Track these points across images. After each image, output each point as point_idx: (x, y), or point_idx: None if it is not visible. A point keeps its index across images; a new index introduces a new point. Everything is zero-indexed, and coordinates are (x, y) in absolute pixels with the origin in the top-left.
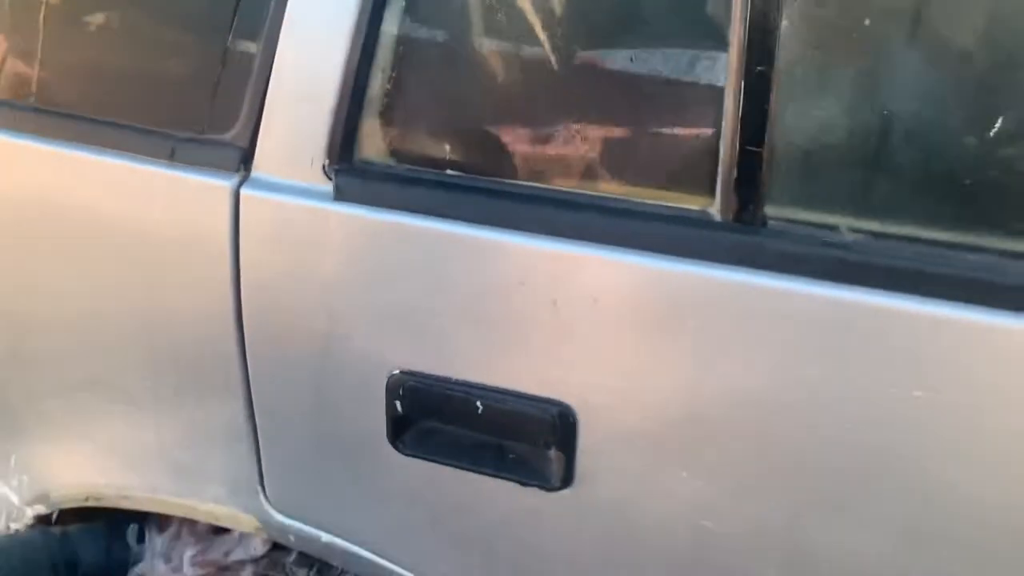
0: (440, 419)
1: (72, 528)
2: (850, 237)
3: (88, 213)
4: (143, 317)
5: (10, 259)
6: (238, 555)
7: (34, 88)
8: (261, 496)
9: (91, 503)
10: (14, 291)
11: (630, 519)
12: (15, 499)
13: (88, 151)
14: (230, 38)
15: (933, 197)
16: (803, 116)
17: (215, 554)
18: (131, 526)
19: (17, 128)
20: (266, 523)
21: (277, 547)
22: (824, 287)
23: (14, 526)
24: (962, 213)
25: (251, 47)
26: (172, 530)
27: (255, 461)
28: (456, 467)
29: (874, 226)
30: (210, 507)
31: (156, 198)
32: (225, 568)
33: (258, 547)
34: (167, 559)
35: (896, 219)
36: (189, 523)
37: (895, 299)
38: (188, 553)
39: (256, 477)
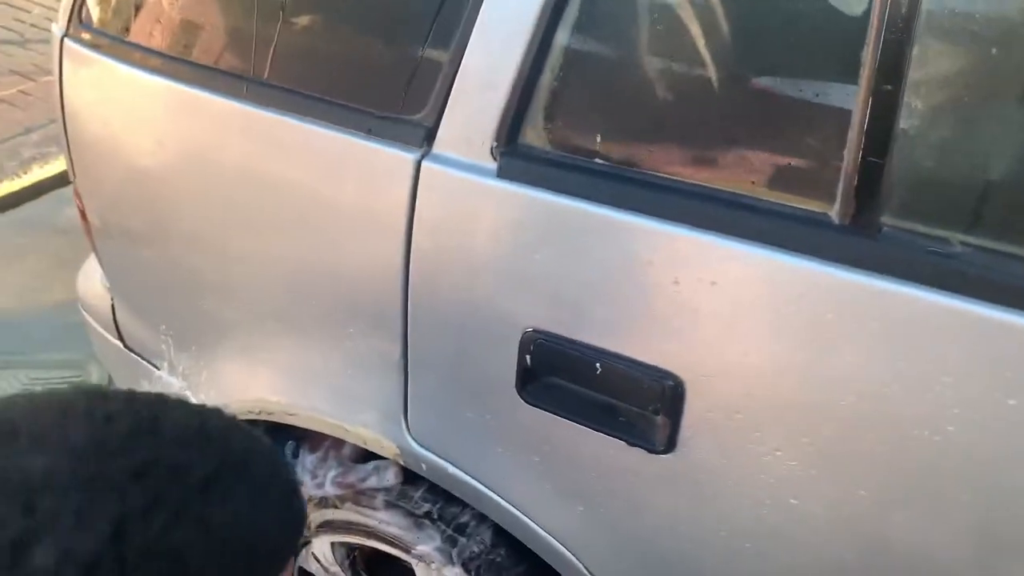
0: (563, 376)
1: None
2: (958, 248)
3: (292, 172)
4: (326, 260)
5: (226, 206)
6: (371, 483)
7: (268, 65)
8: (403, 426)
9: (262, 417)
10: (225, 232)
11: (722, 488)
12: None
13: (302, 121)
14: (429, 38)
15: None
16: (924, 134)
17: (353, 478)
18: (289, 441)
19: (244, 97)
20: (404, 450)
21: (407, 482)
22: (929, 293)
23: None
24: None
25: (445, 45)
26: (321, 452)
27: (402, 394)
28: (571, 420)
29: (981, 241)
30: (360, 430)
31: (352, 164)
32: (360, 492)
33: (390, 479)
34: (313, 476)
35: (1001, 237)
36: (336, 448)
37: (994, 310)
38: (331, 473)
39: (401, 408)
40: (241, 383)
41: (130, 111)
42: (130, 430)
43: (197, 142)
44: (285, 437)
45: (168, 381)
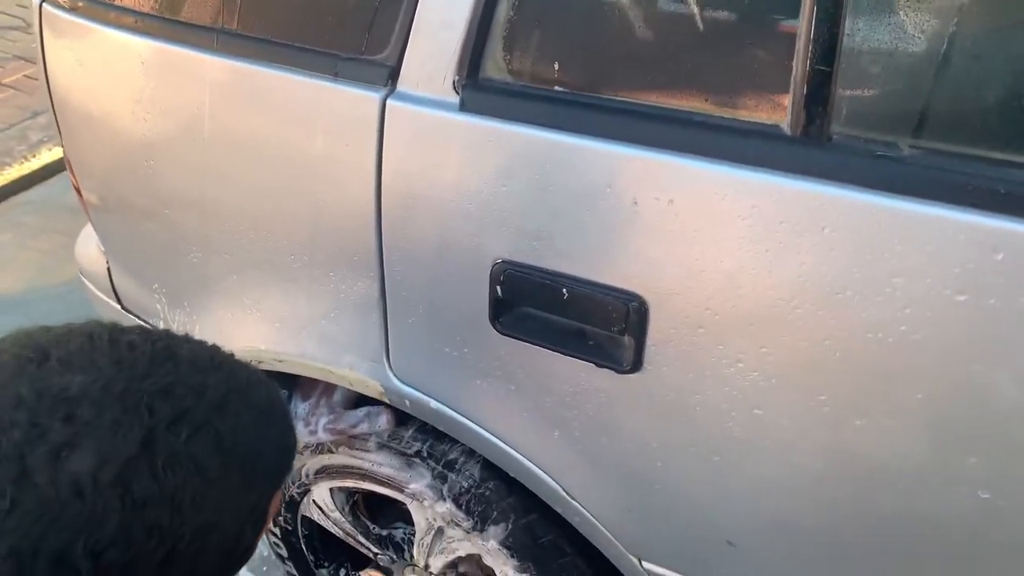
0: (532, 304)
1: None
2: (907, 152)
3: (264, 117)
4: (303, 205)
5: (204, 161)
6: (363, 428)
7: (236, 15)
8: (386, 365)
9: (264, 366)
10: (204, 186)
11: (689, 403)
12: None
13: (272, 68)
14: None
15: (986, 118)
16: (869, 40)
17: (344, 424)
18: (281, 391)
19: (215, 49)
20: (388, 389)
21: (398, 423)
22: (879, 197)
23: None
24: (1010, 133)
25: None
26: (313, 400)
27: (383, 334)
28: (542, 347)
29: (929, 143)
30: (344, 372)
31: (321, 108)
32: (353, 437)
33: (382, 424)
34: (306, 423)
35: (950, 138)
36: (327, 396)
37: (942, 209)
38: (323, 420)
39: (383, 348)
40: (231, 333)
41: (108, 73)
42: (152, 356)
43: (173, 98)
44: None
45: None
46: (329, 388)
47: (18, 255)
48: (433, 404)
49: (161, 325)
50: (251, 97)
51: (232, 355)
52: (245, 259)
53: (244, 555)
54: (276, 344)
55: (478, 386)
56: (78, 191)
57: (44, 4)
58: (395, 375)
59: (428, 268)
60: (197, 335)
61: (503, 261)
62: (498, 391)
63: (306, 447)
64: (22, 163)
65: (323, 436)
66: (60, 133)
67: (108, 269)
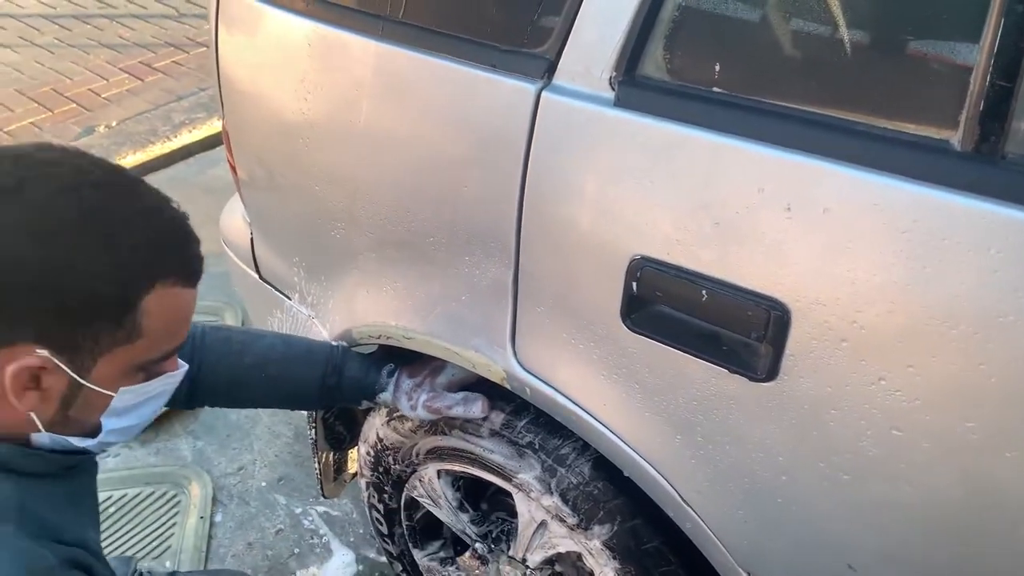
0: (667, 303)
1: (344, 345)
2: None
3: (420, 102)
4: (447, 189)
5: (358, 141)
6: (457, 412)
7: (403, 4)
8: (510, 351)
9: (381, 341)
10: (356, 166)
11: (824, 417)
12: (327, 335)
13: (433, 56)
14: None
15: None
16: None
17: (440, 404)
18: (389, 365)
19: (380, 36)
20: (510, 374)
21: (512, 412)
22: None
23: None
24: None
25: None
26: (419, 378)
27: (512, 320)
28: (673, 348)
29: None
30: (470, 354)
31: (476, 96)
32: (451, 419)
33: (476, 411)
34: (408, 397)
35: None
36: (432, 377)
37: None
38: (423, 397)
39: (510, 334)
40: (365, 309)
41: (275, 52)
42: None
43: (335, 81)
44: (391, 360)
45: (298, 310)
46: (436, 370)
47: None
48: (554, 394)
49: (296, 298)
50: (410, 83)
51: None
52: (386, 238)
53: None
54: (407, 321)
55: (602, 381)
56: (232, 166)
57: None
58: (519, 362)
59: (563, 259)
60: (330, 309)
61: (642, 258)
62: (622, 388)
63: (411, 421)
64: (164, 142)
65: (421, 412)
66: (223, 108)
67: (251, 240)
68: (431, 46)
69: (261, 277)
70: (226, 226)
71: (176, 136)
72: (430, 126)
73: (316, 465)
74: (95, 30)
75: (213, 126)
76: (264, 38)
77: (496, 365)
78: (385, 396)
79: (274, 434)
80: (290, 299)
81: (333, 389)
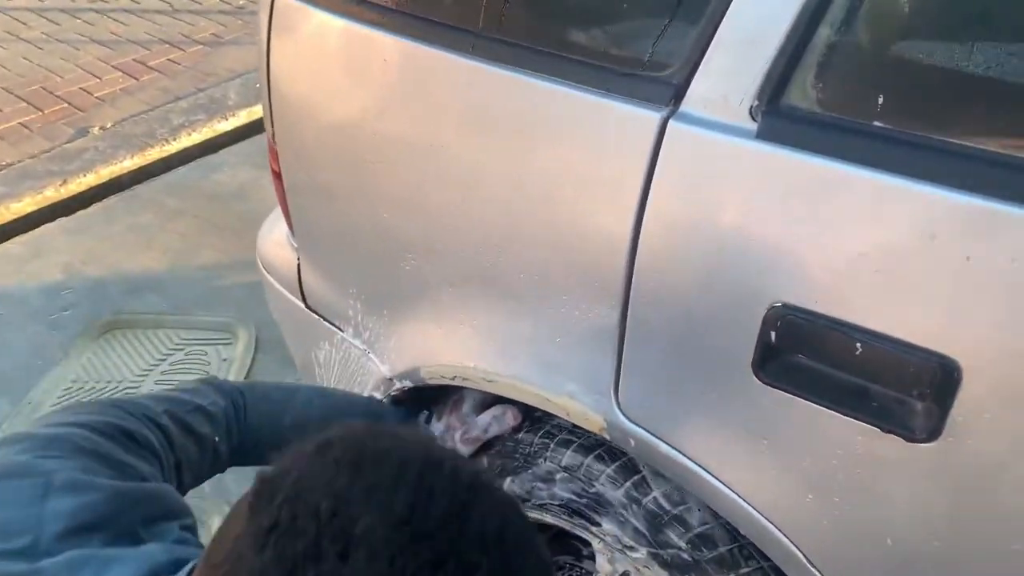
0: (811, 355)
1: (384, 400)
2: None
3: (517, 130)
4: (545, 222)
5: (441, 165)
6: (493, 431)
7: (498, 19)
8: (612, 399)
9: (455, 382)
10: (436, 191)
11: (995, 482)
12: (387, 372)
13: (533, 77)
14: None
15: None
16: None
17: (476, 432)
18: (425, 412)
19: (471, 53)
20: (611, 424)
21: (598, 459)
22: None
23: (376, 395)
24: None
25: None
26: (445, 420)
27: (615, 366)
28: (815, 403)
29: None
30: (564, 401)
31: (584, 122)
32: (486, 443)
33: (509, 422)
34: (442, 442)
35: None
36: (456, 410)
37: None
38: (457, 434)
39: (612, 380)
40: (437, 347)
41: (342, 66)
42: (444, 515)
43: (416, 100)
44: (420, 406)
45: (351, 344)
46: (457, 402)
47: (158, 236)
48: (663, 447)
49: (350, 331)
50: (504, 107)
51: (527, 525)
52: (468, 272)
53: None
54: (488, 363)
55: (723, 435)
56: (278, 179)
57: None
58: (622, 411)
59: (684, 302)
60: (392, 347)
61: (783, 305)
62: (747, 443)
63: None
64: (163, 145)
65: (462, 450)
66: (272, 125)
67: (298, 268)
68: (531, 66)
69: (307, 305)
70: (266, 250)
71: (175, 139)
72: (528, 155)
73: None
74: (86, 25)
75: (214, 128)
76: (329, 52)
77: (594, 414)
78: None
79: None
80: (342, 331)
81: None
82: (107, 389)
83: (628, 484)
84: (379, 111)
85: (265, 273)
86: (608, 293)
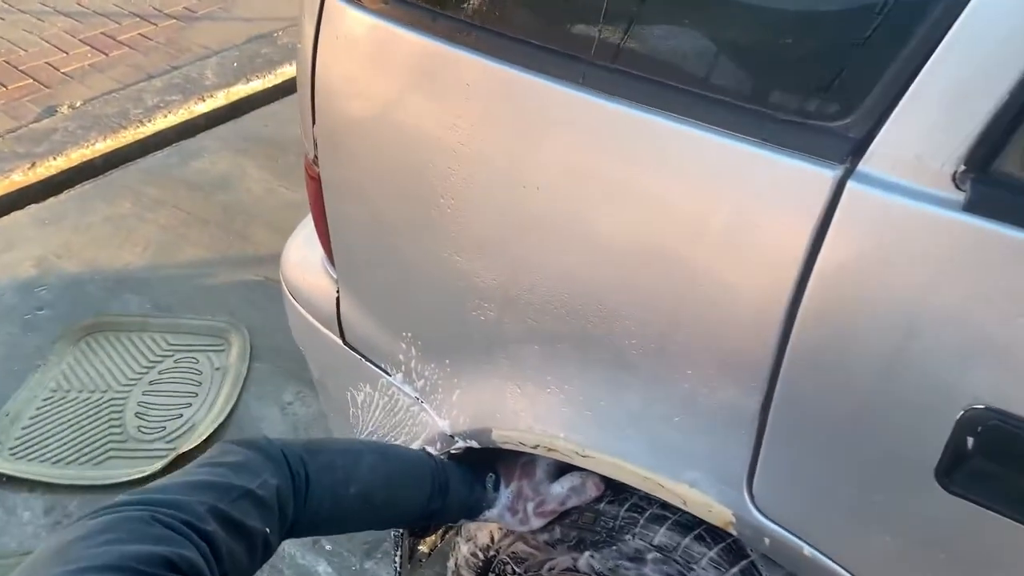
0: (1017, 466)
1: (446, 459)
2: None
3: (637, 176)
4: (668, 283)
5: (535, 206)
6: (572, 502)
7: (617, 46)
8: (745, 492)
9: (539, 452)
10: (526, 235)
11: None
12: (446, 428)
13: (662, 117)
14: (875, 24)
15: None
16: None
17: (553, 504)
18: (491, 475)
19: (580, 83)
20: (741, 519)
21: (697, 539)
22: None
23: (431, 449)
24: None
25: (900, 36)
26: (514, 486)
27: (751, 455)
28: (1011, 517)
29: None
30: (682, 489)
31: (729, 171)
32: (564, 514)
33: (591, 493)
34: (513, 511)
35: None
36: (528, 476)
37: None
38: (531, 505)
39: (746, 471)
40: (515, 410)
41: (412, 87)
42: None
43: (506, 131)
44: (484, 469)
45: (399, 390)
46: (528, 469)
47: (139, 227)
48: (807, 550)
49: (399, 377)
50: (622, 149)
51: None
52: (559, 330)
53: None
54: (584, 436)
55: (888, 545)
56: (316, 198)
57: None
58: (756, 506)
59: (852, 394)
60: (454, 401)
61: (986, 408)
62: (918, 552)
63: (552, 536)
64: (137, 127)
65: (535, 523)
66: (316, 147)
67: (337, 299)
68: (660, 104)
69: (346, 342)
70: (294, 275)
71: (150, 121)
72: (651, 203)
73: (395, 559)
74: None
75: (191, 110)
76: (396, 71)
77: (721, 506)
78: (492, 513)
79: None
80: (389, 375)
81: (437, 512)
82: (91, 400)
83: (735, 571)
84: (456, 142)
85: (292, 299)
86: (749, 373)
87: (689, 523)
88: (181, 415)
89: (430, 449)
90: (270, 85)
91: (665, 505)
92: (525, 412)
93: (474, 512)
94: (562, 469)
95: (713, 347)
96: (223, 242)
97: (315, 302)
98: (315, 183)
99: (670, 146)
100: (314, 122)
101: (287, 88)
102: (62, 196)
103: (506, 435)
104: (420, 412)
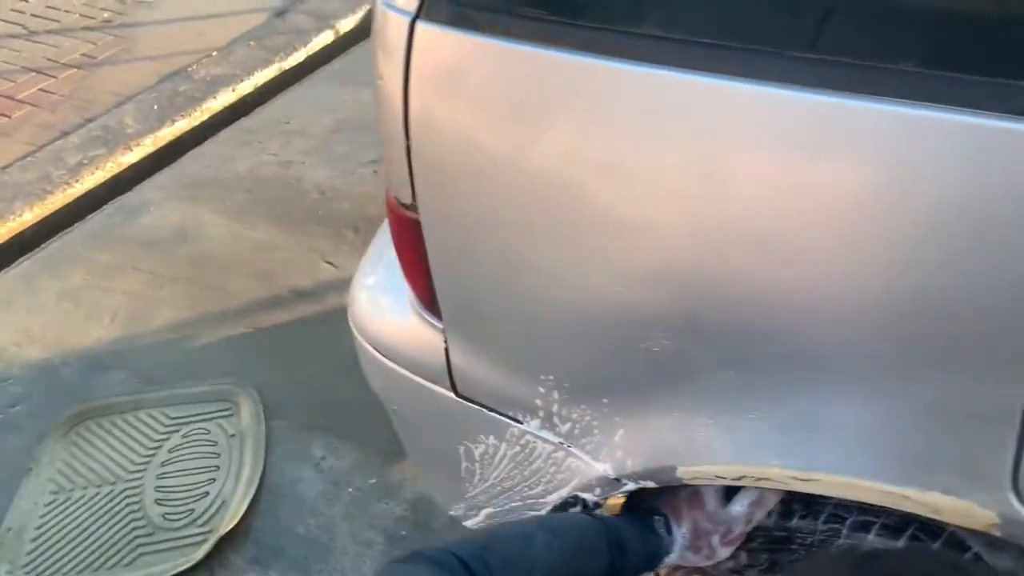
0: None
1: (608, 515)
2: None
3: (886, 167)
4: (923, 288)
5: (724, 222)
6: (758, 518)
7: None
8: (1010, 490)
9: (741, 483)
10: (724, 250)
11: None
12: (607, 471)
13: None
14: None
15: None
16: None
17: (739, 529)
18: (657, 517)
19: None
20: (1007, 519)
21: (930, 534)
22: None
23: (585, 496)
24: None
25: None
26: (688, 523)
27: (1015, 450)
28: None
29: None
30: (934, 497)
31: (971, 156)
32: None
33: (771, 503)
34: (695, 549)
35: None
36: (698, 508)
37: None
38: (715, 538)
39: (1010, 469)
40: (703, 443)
41: (534, 107)
42: None
43: (675, 143)
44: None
45: (536, 437)
46: (695, 501)
47: (100, 298)
48: None
49: (534, 422)
50: (862, 148)
51: None
52: (765, 355)
53: None
54: (802, 460)
55: None
56: (410, 252)
57: (419, 22)
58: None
59: None
60: (616, 441)
61: None
62: None
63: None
64: (65, 189)
65: (723, 553)
66: (412, 186)
67: (446, 349)
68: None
69: (459, 394)
70: (380, 332)
71: (77, 180)
72: (897, 200)
73: None
74: None
75: (119, 162)
76: (509, 88)
77: (982, 509)
78: (672, 558)
79: (362, 543)
80: (521, 423)
81: (619, 574)
82: (101, 495)
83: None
84: (607, 163)
85: (377, 355)
86: (1013, 369)
87: (897, 525)
88: (207, 493)
89: (587, 496)
90: (197, 123)
91: (865, 509)
92: (721, 444)
93: (654, 562)
94: (728, 491)
95: (969, 348)
96: (199, 299)
97: (412, 355)
98: (409, 228)
99: (911, 137)
100: (410, 164)
101: (216, 124)
102: (2, 278)
103: (696, 470)
104: (567, 458)
